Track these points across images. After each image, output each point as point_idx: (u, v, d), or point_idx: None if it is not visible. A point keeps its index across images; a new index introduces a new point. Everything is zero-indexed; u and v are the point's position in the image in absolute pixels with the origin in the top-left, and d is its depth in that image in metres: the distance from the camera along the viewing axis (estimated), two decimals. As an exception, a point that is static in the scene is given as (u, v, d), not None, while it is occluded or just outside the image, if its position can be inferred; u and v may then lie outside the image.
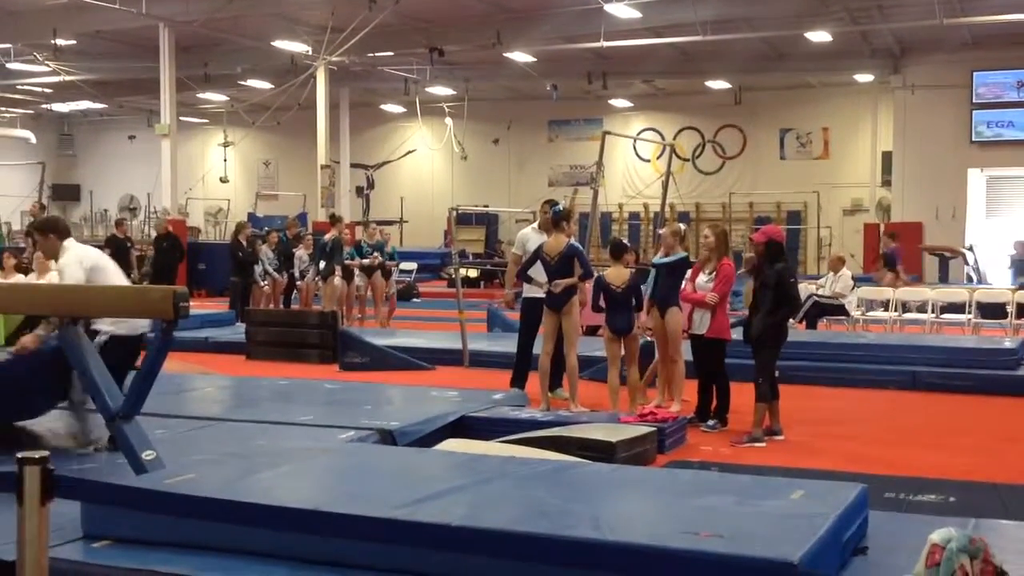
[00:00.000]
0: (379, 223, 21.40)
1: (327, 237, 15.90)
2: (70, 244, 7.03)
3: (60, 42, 22.67)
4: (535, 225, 9.79)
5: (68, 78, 26.59)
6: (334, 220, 16.79)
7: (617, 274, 8.92)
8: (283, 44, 23.82)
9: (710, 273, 8.69)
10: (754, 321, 8.26)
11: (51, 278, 13.27)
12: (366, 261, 16.12)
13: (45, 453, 2.94)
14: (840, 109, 29.26)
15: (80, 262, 6.81)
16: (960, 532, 4.00)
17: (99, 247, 18.84)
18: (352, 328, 14.12)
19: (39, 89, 30.66)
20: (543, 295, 9.03)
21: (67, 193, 37.54)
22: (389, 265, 16.39)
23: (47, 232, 7.03)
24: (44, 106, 33.83)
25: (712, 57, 25.73)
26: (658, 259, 9.24)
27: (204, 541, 4.58)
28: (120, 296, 6.41)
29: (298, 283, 17.46)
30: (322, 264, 15.62)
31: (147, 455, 5.57)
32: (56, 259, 6.98)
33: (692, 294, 8.73)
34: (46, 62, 24.71)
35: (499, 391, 9.35)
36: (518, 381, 9.68)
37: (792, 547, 3.84)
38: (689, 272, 8.97)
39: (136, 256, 20.66)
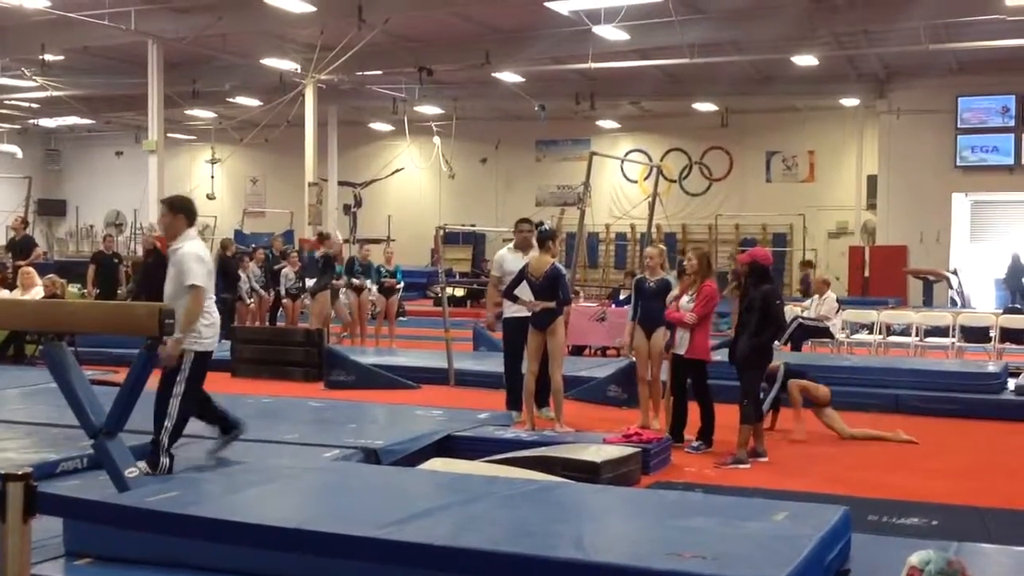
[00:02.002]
0: (366, 241, 21.42)
1: (318, 254, 15.90)
2: (193, 234, 6.95)
3: (48, 57, 22.65)
4: (510, 246, 9.80)
5: (55, 93, 26.54)
6: (322, 238, 16.82)
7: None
8: (272, 62, 23.85)
9: (692, 295, 8.75)
10: (739, 343, 8.30)
11: (36, 293, 13.27)
12: (356, 281, 16.11)
13: (28, 469, 2.93)
14: (826, 132, 29.42)
15: (202, 260, 6.77)
16: (938, 554, 4.01)
17: (85, 263, 18.94)
18: (337, 346, 14.10)
19: (26, 104, 30.60)
20: (528, 314, 9.03)
21: (53, 208, 37.42)
22: (390, 283, 16.38)
23: (177, 211, 6.87)
24: (31, 121, 33.76)
25: (699, 80, 25.86)
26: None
27: (187, 559, 4.57)
28: (106, 313, 6.40)
29: (283, 300, 17.42)
30: (310, 281, 15.61)
31: (130, 472, 5.55)
32: (173, 240, 6.80)
33: (674, 313, 8.81)
34: (34, 77, 24.68)
35: (484, 410, 9.34)
36: (514, 403, 9.62)
37: (775, 569, 3.85)
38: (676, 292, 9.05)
39: (124, 272, 20.60)
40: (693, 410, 8.95)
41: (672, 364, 8.93)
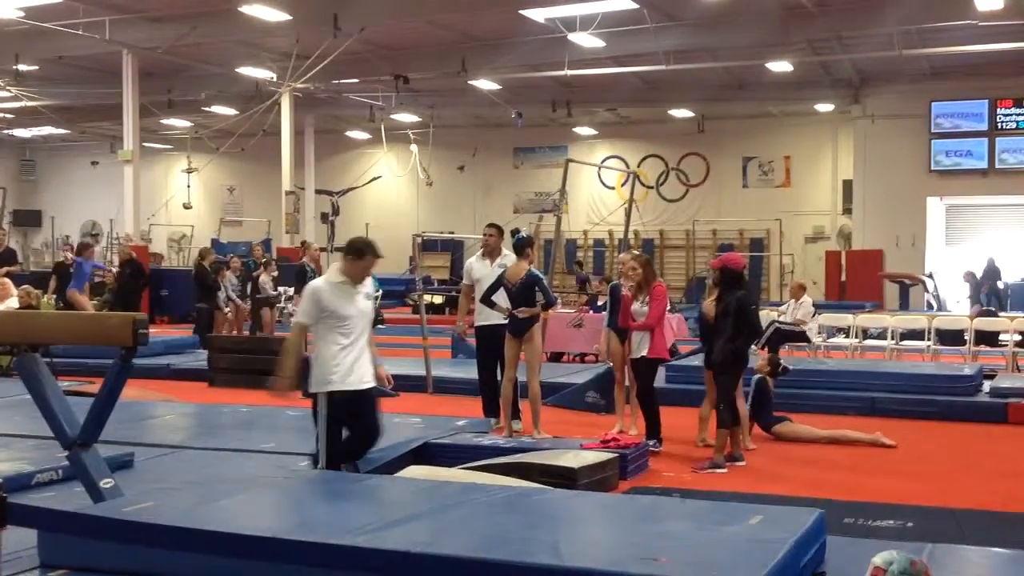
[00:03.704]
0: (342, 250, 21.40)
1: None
2: None
3: (22, 67, 22.54)
4: (479, 253, 9.81)
5: (30, 103, 26.41)
6: (304, 246, 16.94)
7: (711, 306, 8.99)
8: (247, 70, 23.81)
9: (643, 300, 8.84)
10: (715, 348, 8.33)
11: (11, 304, 13.17)
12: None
13: (-1, 480, 2.91)
14: (801, 138, 29.61)
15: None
16: (902, 555, 4.04)
17: (47, 273, 18.80)
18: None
19: (0, 114, 30.41)
20: (502, 322, 9.04)
21: (28, 219, 37.19)
22: None
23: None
24: (5, 131, 33.56)
25: (675, 86, 25.99)
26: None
27: (163, 570, 4.55)
28: (79, 324, 6.37)
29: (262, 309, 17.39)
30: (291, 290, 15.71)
31: (105, 483, 5.51)
32: (360, 282, 6.55)
33: (634, 323, 8.90)
34: (8, 87, 24.54)
35: (462, 418, 9.34)
36: (491, 411, 9.62)
37: (750, 572, 3.87)
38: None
39: (98, 282, 20.47)
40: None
41: (635, 369, 9.02)
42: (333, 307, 6.41)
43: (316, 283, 6.64)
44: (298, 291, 15.72)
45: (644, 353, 8.81)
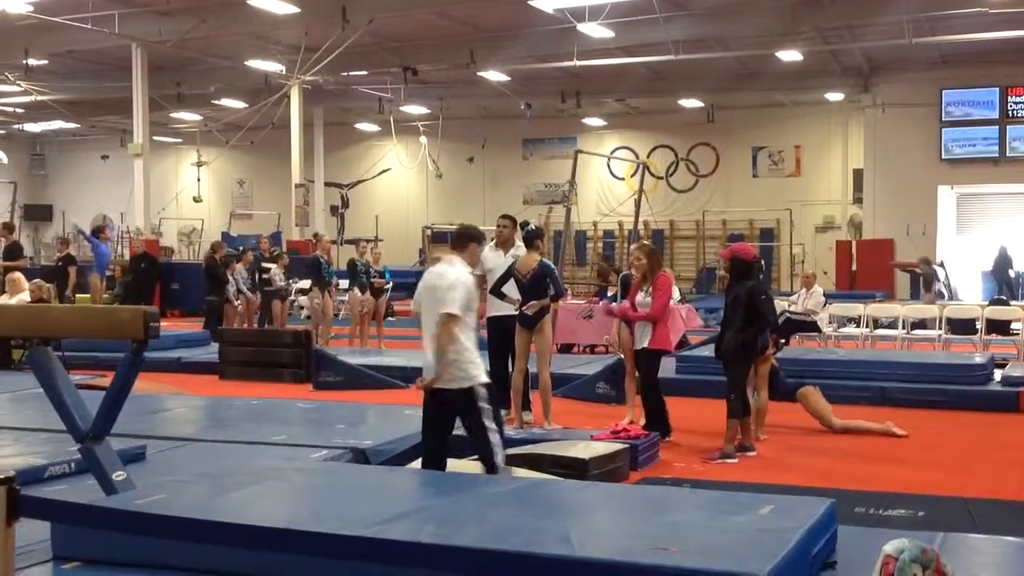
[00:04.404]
0: (351, 242, 21.42)
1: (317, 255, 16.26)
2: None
3: (32, 62, 22.60)
4: (492, 244, 9.79)
5: (40, 98, 26.48)
6: (317, 238, 17.02)
7: None
8: (257, 64, 23.82)
9: (648, 290, 8.82)
10: (725, 338, 8.32)
11: (22, 298, 13.23)
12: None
13: (11, 472, 2.93)
14: (811, 127, 29.52)
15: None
16: (912, 543, 4.03)
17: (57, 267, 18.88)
18: (325, 347, 14.09)
19: (11, 109, 30.50)
20: (513, 313, 9.04)
21: (39, 213, 37.28)
22: (379, 283, 16.18)
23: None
24: (16, 126, 33.65)
25: (684, 76, 25.91)
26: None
27: (175, 562, 4.57)
28: (90, 317, 6.39)
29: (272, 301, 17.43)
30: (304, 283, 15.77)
31: (118, 475, 5.53)
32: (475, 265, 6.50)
33: (635, 313, 8.88)
34: (18, 82, 24.61)
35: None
36: (502, 402, 9.61)
37: (760, 562, 3.86)
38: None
39: (108, 276, 20.54)
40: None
41: (637, 361, 8.98)
42: (473, 299, 6.31)
43: (465, 275, 6.30)
44: (314, 283, 15.77)
45: (645, 344, 8.77)
